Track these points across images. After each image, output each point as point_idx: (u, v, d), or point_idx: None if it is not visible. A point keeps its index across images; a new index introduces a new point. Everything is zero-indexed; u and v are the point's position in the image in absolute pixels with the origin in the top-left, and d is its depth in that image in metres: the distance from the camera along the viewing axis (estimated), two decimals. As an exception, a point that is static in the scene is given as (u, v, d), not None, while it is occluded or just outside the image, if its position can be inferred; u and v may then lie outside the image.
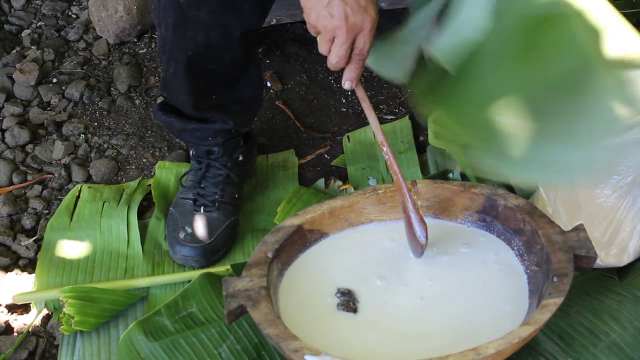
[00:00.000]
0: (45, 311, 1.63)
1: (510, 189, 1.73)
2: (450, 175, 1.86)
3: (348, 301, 1.40)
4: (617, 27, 1.14)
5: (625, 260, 1.53)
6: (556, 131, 1.16)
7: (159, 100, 1.75)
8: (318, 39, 1.32)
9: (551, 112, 1.17)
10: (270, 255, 1.39)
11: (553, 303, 1.25)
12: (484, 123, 1.23)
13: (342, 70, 1.35)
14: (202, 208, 1.71)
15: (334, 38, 1.30)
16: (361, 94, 1.40)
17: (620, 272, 1.54)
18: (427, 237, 1.42)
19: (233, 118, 1.68)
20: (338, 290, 1.42)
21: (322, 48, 1.33)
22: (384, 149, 1.42)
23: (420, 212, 1.45)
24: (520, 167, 1.24)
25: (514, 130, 1.19)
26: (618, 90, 1.12)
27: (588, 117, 1.14)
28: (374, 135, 1.99)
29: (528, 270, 1.40)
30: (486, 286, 1.41)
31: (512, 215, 1.44)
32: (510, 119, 1.19)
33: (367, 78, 2.25)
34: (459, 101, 1.29)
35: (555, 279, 1.29)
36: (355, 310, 1.39)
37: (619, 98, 1.12)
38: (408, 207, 1.43)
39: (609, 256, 1.52)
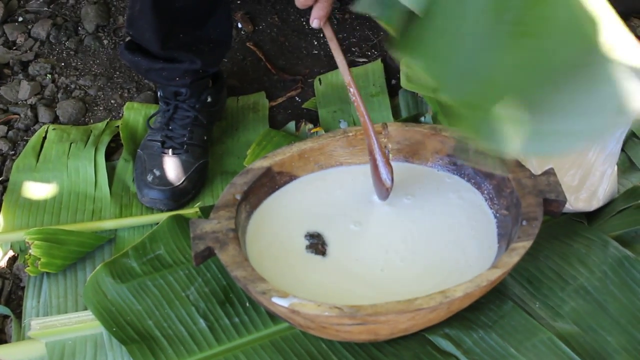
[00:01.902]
0: (11, 253, 1.61)
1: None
2: (422, 118, 1.85)
3: (317, 244, 1.39)
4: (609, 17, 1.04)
5: (594, 204, 1.53)
6: (549, 110, 1.06)
7: (127, 39, 1.72)
8: None
9: (546, 94, 1.06)
10: (238, 197, 1.38)
11: (522, 247, 1.25)
12: (465, 88, 1.06)
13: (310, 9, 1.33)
14: (170, 150, 1.69)
15: None
16: (329, 33, 1.38)
17: (590, 217, 1.55)
18: (392, 180, 1.42)
19: (201, 58, 1.65)
20: (307, 232, 1.41)
21: None
22: (351, 89, 1.40)
23: (389, 154, 1.44)
24: (506, 139, 1.03)
25: (502, 106, 1.06)
26: (618, 85, 1.03)
27: (586, 105, 1.04)
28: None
29: (497, 214, 1.40)
30: (455, 230, 1.41)
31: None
32: (498, 95, 1.03)
33: (340, 20, 2.22)
34: (435, 54, 1.09)
35: (524, 222, 1.29)
36: (323, 253, 1.38)
37: (619, 93, 1.02)
38: (374, 149, 1.42)
39: (578, 200, 1.52)
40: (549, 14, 0.99)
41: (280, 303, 1.19)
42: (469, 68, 1.04)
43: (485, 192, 1.44)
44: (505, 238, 1.35)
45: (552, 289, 1.39)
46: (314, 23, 1.34)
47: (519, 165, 1.38)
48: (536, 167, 1.49)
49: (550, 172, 1.37)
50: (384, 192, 1.44)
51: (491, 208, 1.42)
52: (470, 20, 1.02)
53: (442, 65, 1.07)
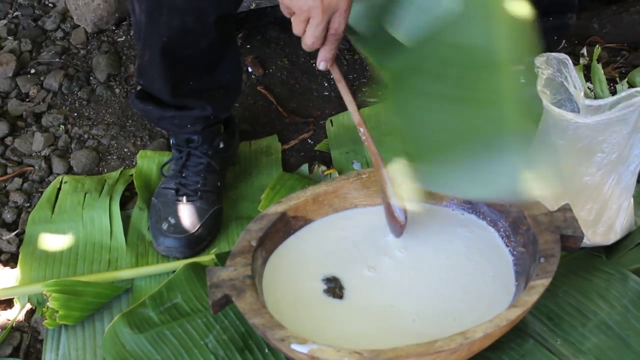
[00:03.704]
0: (28, 306, 1.61)
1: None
2: (435, 156, 1.85)
3: (334, 288, 1.39)
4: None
5: (612, 238, 1.52)
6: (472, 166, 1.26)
7: (138, 88, 1.74)
8: (292, 20, 1.30)
9: (461, 154, 1.26)
10: (254, 243, 1.38)
11: (540, 284, 1.25)
12: (418, 135, 1.32)
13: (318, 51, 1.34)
14: (184, 198, 1.69)
15: (309, 18, 1.28)
16: (337, 75, 1.39)
17: (608, 251, 1.54)
18: (406, 217, 1.41)
19: (212, 104, 1.66)
20: (323, 276, 1.41)
21: (296, 29, 1.31)
22: (361, 129, 1.41)
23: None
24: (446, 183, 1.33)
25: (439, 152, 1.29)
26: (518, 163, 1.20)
27: (495, 168, 1.23)
28: (355, 118, 1.98)
29: (514, 252, 1.40)
30: (472, 269, 1.40)
31: (497, 196, 1.43)
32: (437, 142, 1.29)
33: (350, 61, 2.23)
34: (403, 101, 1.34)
35: (542, 259, 1.28)
36: (341, 297, 1.38)
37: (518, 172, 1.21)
38: (386, 187, 1.42)
39: (596, 235, 1.51)
40: (482, 87, 1.21)
41: (299, 349, 1.19)
42: (424, 120, 1.28)
43: (502, 229, 1.43)
44: (523, 276, 1.34)
45: (573, 325, 1.38)
46: (321, 65, 1.35)
47: (535, 202, 1.38)
48: (552, 203, 1.48)
49: (566, 208, 1.36)
50: (398, 229, 1.44)
51: (508, 246, 1.42)
52: (428, 77, 1.27)
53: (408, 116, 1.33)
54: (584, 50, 2.14)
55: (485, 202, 1.46)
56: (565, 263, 1.46)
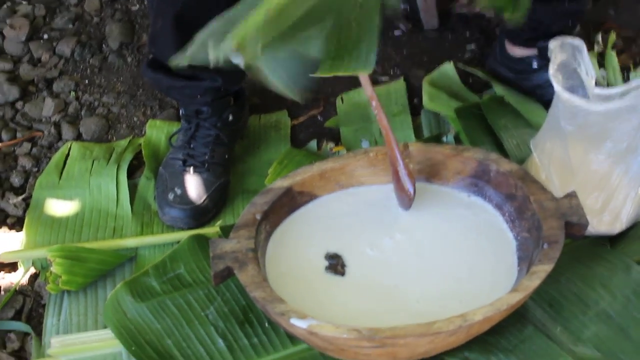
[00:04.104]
0: (32, 270, 1.61)
1: (503, 153, 1.71)
2: (444, 138, 1.84)
3: (336, 265, 1.39)
4: None
5: (617, 228, 1.52)
6: None
7: (150, 56, 1.74)
8: None
9: None
10: (258, 217, 1.38)
11: (542, 270, 1.24)
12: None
13: None
14: (191, 169, 1.69)
15: None
16: None
17: (612, 240, 1.53)
18: (414, 189, 1.41)
19: (222, 76, 1.65)
20: (326, 253, 1.41)
21: None
22: (373, 103, 1.40)
23: (410, 166, 1.44)
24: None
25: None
26: None
27: None
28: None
29: (518, 237, 1.39)
30: (475, 252, 1.40)
31: (504, 180, 1.43)
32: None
33: (363, 38, 2.22)
34: None
35: (545, 245, 1.28)
36: (343, 274, 1.38)
37: None
38: (396, 158, 1.42)
39: (601, 223, 1.50)
40: None
41: (298, 324, 1.19)
42: None
43: (507, 214, 1.43)
44: (525, 261, 1.34)
45: (574, 312, 1.38)
46: None
47: (541, 187, 1.37)
48: (559, 189, 1.48)
49: (572, 195, 1.36)
50: (407, 201, 1.44)
51: (512, 230, 1.41)
52: None
53: None
54: (599, 37, 2.12)
55: (492, 186, 1.45)
56: (569, 250, 1.45)
